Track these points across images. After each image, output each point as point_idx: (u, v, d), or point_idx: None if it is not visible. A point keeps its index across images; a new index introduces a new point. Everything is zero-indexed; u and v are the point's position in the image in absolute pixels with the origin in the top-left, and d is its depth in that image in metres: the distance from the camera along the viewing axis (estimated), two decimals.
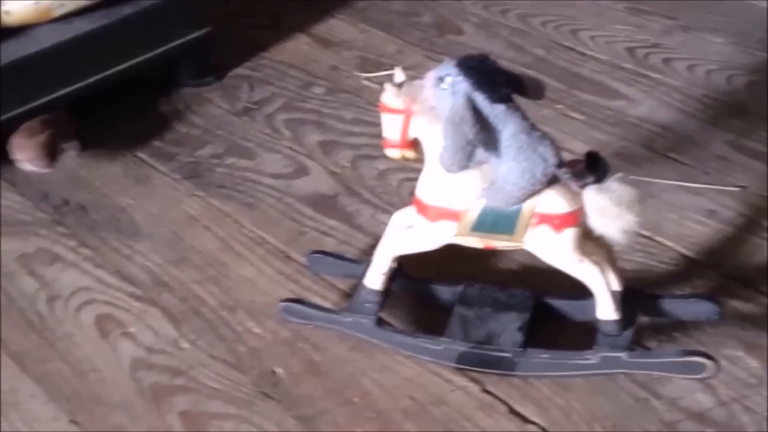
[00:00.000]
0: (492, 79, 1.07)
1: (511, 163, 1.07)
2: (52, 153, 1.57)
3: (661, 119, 1.64)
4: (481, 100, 1.06)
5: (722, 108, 1.66)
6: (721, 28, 1.88)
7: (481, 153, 1.08)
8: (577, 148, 1.56)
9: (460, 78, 1.06)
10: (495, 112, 1.06)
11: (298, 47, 1.95)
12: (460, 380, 1.20)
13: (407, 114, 1.11)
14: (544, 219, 1.10)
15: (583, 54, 1.84)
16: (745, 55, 1.80)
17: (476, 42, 1.90)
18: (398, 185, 1.54)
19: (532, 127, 1.08)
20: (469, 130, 1.04)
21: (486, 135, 1.07)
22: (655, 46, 1.85)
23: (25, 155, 1.57)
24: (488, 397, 1.18)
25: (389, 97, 1.12)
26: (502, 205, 1.10)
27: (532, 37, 1.91)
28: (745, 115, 1.64)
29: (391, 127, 1.13)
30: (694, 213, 1.43)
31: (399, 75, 1.13)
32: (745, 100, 1.68)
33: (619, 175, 1.09)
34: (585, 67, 1.80)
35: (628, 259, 1.33)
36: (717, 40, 1.85)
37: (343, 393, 1.20)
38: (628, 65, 1.80)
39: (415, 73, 1.15)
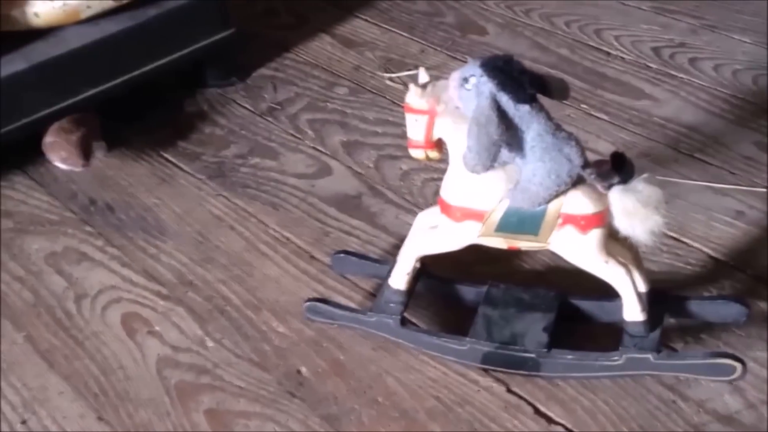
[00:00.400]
0: (517, 79, 1.06)
1: (537, 164, 1.07)
2: (85, 152, 1.58)
3: (687, 120, 1.63)
4: (505, 100, 1.05)
5: (749, 108, 1.65)
6: (748, 27, 1.87)
7: (505, 154, 1.08)
8: (603, 148, 1.56)
9: (485, 78, 1.05)
10: (520, 112, 1.06)
11: (322, 47, 1.95)
12: (485, 381, 1.20)
13: (431, 114, 1.11)
14: (570, 220, 1.10)
15: (608, 54, 1.84)
16: None
17: (500, 42, 1.89)
18: (422, 185, 1.54)
19: (557, 128, 1.08)
20: (494, 130, 1.04)
21: (511, 135, 1.06)
22: (681, 45, 1.84)
23: (59, 155, 1.58)
24: (513, 398, 1.18)
25: (413, 97, 1.12)
26: (527, 206, 1.10)
27: (557, 37, 1.90)
28: None
29: (415, 128, 1.13)
30: (721, 214, 1.42)
31: (423, 76, 1.13)
32: None
33: (646, 175, 1.08)
34: (610, 67, 1.79)
35: (654, 260, 1.33)
36: (744, 40, 1.83)
37: (367, 393, 1.20)
38: (653, 65, 1.79)
39: (438, 73, 1.14)
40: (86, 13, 1.64)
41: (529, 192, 1.09)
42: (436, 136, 1.13)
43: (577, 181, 1.09)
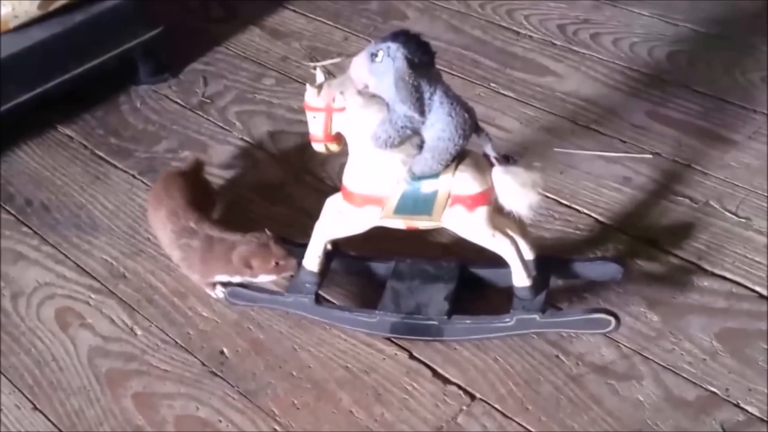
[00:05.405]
0: (422, 44, 1.16)
1: (446, 119, 1.16)
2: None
3: (585, 93, 1.72)
4: (417, 62, 1.14)
5: (643, 79, 1.74)
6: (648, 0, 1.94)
7: (416, 120, 1.16)
8: (508, 124, 1.64)
9: (396, 46, 1.14)
10: (430, 73, 1.16)
11: (250, 40, 2.01)
12: (390, 349, 1.30)
13: (328, 111, 1.20)
14: (458, 200, 1.20)
15: (518, 33, 1.91)
16: (667, 26, 1.87)
17: (419, 26, 1.95)
18: (341, 170, 1.61)
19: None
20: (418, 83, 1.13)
21: (420, 98, 1.15)
22: (585, 21, 1.92)
23: (264, 267, 1.33)
24: (415, 363, 1.28)
25: (311, 96, 1.21)
26: (436, 166, 1.18)
27: (471, 19, 1.97)
28: (663, 85, 1.71)
29: (314, 124, 1.22)
30: (610, 181, 1.52)
31: (319, 76, 1.21)
32: (665, 70, 1.76)
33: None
34: (519, 46, 1.88)
35: (547, 227, 1.42)
36: (642, 12, 1.92)
37: (283, 367, 1.29)
38: (558, 42, 1.87)
39: None
40: (14, 23, 1.71)
41: (439, 149, 1.17)
42: (334, 130, 1.22)
43: (462, 157, 1.18)
